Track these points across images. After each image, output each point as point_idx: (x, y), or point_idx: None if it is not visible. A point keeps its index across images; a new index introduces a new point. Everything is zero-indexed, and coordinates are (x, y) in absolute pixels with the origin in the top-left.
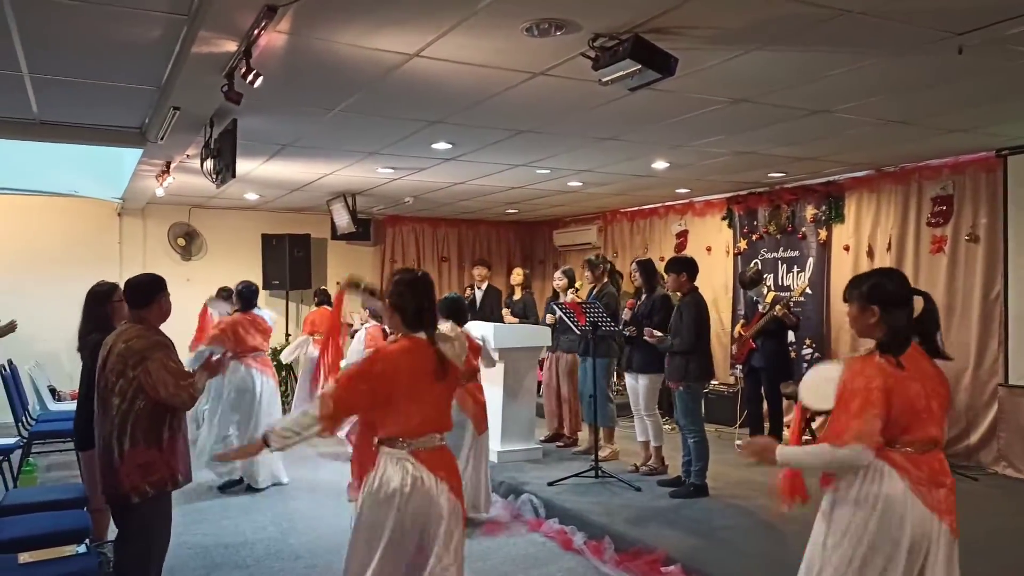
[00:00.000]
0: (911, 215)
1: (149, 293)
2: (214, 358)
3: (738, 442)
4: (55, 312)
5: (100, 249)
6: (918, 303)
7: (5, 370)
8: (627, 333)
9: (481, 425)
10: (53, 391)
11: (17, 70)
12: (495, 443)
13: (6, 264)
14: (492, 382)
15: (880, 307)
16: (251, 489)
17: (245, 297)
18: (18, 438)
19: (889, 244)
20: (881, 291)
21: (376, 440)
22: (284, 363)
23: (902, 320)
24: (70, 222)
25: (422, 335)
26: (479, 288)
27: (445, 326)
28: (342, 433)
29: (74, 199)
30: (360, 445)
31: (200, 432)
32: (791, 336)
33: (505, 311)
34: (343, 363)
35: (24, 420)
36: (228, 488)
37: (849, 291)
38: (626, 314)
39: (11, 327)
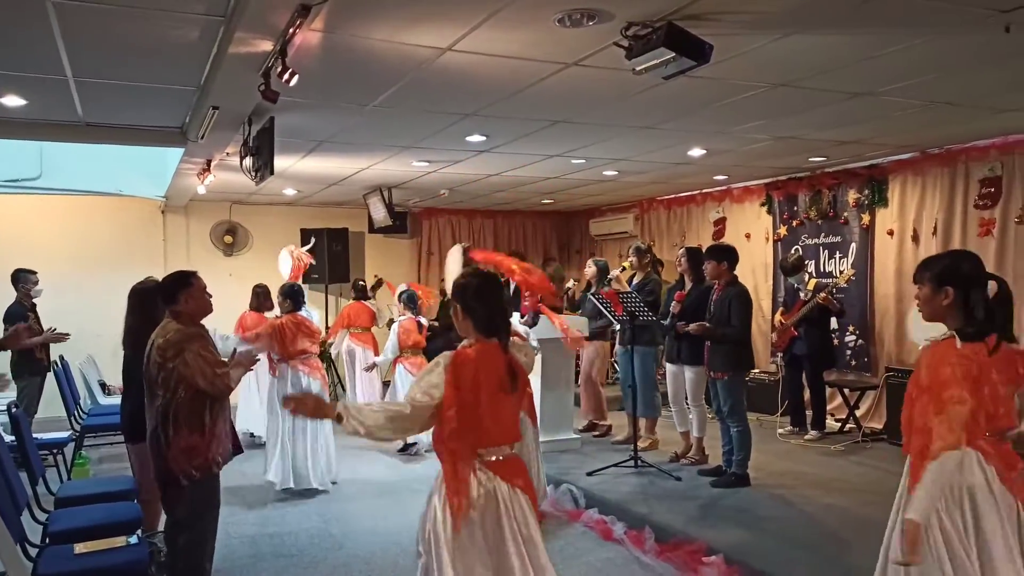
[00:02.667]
0: (958, 198)
1: (173, 290)
2: (239, 351)
3: (780, 431)
4: (103, 308)
5: (145, 246)
6: (992, 288)
7: (57, 366)
8: (668, 325)
9: (534, 418)
10: (103, 385)
11: (62, 74)
12: None
13: (57, 262)
14: (531, 373)
15: (955, 288)
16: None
17: (292, 297)
18: (71, 432)
19: (935, 228)
20: (956, 272)
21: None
22: (332, 358)
23: (979, 303)
24: (116, 221)
25: (495, 341)
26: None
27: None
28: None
29: (119, 198)
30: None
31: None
32: (834, 323)
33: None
34: (380, 359)
35: (76, 414)
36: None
37: (920, 272)
38: (675, 307)
39: (60, 337)
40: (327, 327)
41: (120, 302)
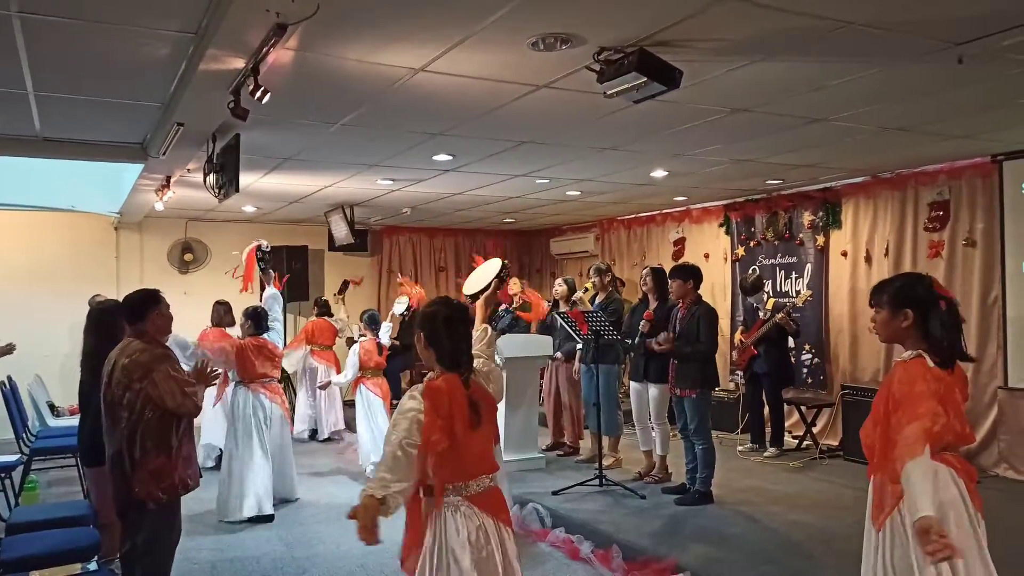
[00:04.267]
0: (908, 220)
1: (142, 308)
2: (205, 367)
3: (740, 448)
4: (53, 327)
5: (97, 263)
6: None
7: (5, 387)
8: (638, 343)
9: (497, 437)
10: (52, 406)
11: (22, 88)
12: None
13: (4, 280)
14: (500, 399)
15: (913, 310)
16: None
17: (258, 320)
18: (19, 455)
19: (887, 249)
20: (912, 294)
21: (422, 492)
22: (288, 373)
23: (939, 322)
24: (67, 237)
25: (456, 375)
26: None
27: (477, 362)
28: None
29: (71, 214)
30: (412, 508)
31: (222, 470)
32: (791, 342)
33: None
34: (339, 379)
35: (24, 437)
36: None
37: (877, 296)
38: (644, 326)
39: (8, 349)
40: (284, 345)
41: (70, 321)
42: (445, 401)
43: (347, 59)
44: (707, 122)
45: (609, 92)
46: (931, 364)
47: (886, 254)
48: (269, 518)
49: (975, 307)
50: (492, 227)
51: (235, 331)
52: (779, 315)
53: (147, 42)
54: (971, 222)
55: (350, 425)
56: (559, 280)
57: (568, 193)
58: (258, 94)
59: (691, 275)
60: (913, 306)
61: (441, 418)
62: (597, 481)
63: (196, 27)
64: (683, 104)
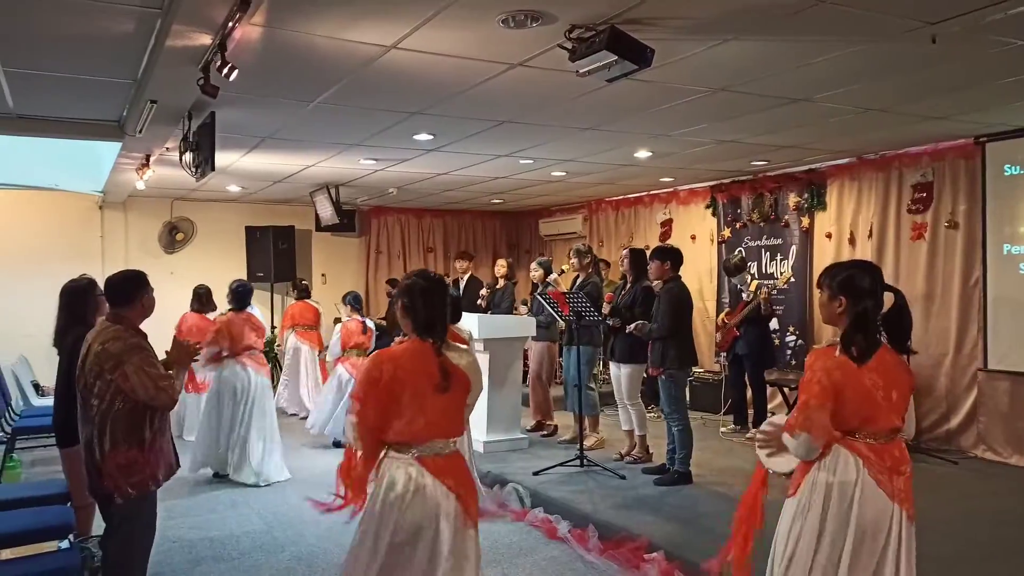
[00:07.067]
0: (892, 202)
1: (131, 291)
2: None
3: (722, 429)
4: (38, 307)
5: (82, 243)
6: (890, 298)
7: None
8: (611, 323)
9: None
10: (37, 386)
11: None
12: (480, 433)
13: None
14: (474, 374)
15: (847, 298)
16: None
17: (240, 296)
18: (0, 434)
19: (870, 231)
20: (851, 283)
21: (385, 447)
22: (277, 356)
23: (866, 314)
24: (51, 216)
25: (429, 342)
26: (461, 280)
27: (463, 357)
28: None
29: (55, 193)
30: (350, 454)
31: (197, 431)
32: (774, 324)
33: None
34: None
35: (7, 416)
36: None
37: (822, 278)
38: (605, 308)
39: None
40: (272, 327)
41: (55, 300)
42: (387, 367)
43: (316, 35)
44: (686, 102)
45: (581, 71)
46: (837, 353)
47: (870, 236)
48: (246, 493)
49: (956, 289)
50: (480, 208)
51: (216, 315)
52: (761, 293)
53: (112, 17)
54: (954, 204)
55: None
56: (534, 263)
57: (553, 174)
58: (225, 71)
59: (668, 256)
60: (848, 295)
61: (372, 383)
62: (578, 462)
63: (160, 2)
64: (661, 83)
